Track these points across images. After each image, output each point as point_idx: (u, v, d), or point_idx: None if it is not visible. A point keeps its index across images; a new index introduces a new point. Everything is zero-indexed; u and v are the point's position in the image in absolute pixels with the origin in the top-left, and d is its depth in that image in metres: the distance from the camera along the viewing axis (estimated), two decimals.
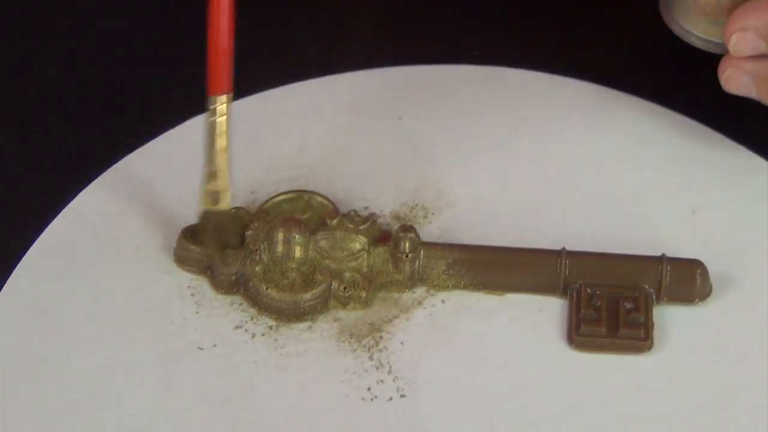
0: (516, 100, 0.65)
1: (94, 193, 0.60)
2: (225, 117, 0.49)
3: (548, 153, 0.62)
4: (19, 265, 0.57)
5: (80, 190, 0.60)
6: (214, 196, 0.55)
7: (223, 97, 0.48)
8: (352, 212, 0.57)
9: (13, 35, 0.70)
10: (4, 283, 0.56)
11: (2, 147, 0.63)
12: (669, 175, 0.61)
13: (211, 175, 0.54)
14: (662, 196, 0.60)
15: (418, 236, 0.56)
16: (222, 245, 0.56)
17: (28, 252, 0.57)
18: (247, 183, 0.60)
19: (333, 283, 0.55)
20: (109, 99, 0.66)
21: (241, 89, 0.62)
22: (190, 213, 0.57)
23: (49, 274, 0.57)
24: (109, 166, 0.61)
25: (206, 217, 0.56)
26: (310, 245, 0.55)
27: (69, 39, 0.69)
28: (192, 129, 0.62)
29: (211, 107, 0.49)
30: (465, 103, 0.65)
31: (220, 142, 0.51)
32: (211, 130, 0.50)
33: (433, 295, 0.56)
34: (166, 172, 0.61)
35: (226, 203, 0.55)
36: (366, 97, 0.66)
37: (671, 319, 0.55)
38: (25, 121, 0.65)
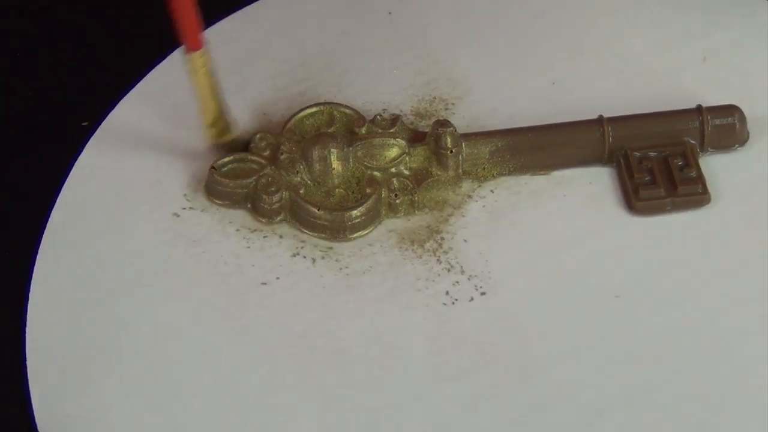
0: None
1: (98, 146, 0.56)
2: (203, 65, 0.50)
3: (548, 21, 0.61)
4: (48, 225, 0.53)
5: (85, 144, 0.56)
6: (216, 131, 0.54)
7: (198, 53, 0.50)
8: (377, 117, 0.54)
9: None
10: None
11: None
12: (672, 25, 0.60)
13: (206, 112, 0.53)
14: (670, 48, 0.59)
15: (456, 129, 0.53)
16: None
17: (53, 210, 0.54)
18: (256, 106, 0.57)
19: (382, 192, 0.52)
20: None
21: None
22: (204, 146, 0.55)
23: (77, 235, 0.53)
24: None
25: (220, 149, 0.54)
26: (350, 158, 0.53)
27: None
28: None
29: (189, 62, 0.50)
30: None
31: (203, 86, 0.51)
32: (194, 77, 0.51)
33: (480, 186, 0.54)
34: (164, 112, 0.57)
35: (229, 135, 0.54)
36: None
37: (716, 168, 0.54)
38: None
